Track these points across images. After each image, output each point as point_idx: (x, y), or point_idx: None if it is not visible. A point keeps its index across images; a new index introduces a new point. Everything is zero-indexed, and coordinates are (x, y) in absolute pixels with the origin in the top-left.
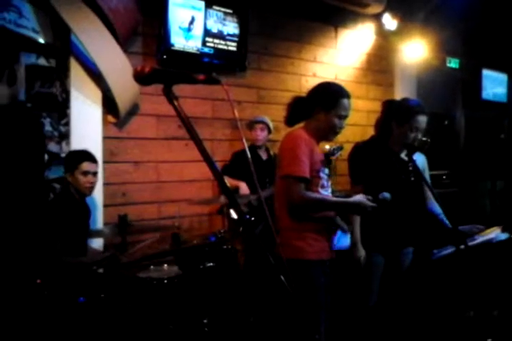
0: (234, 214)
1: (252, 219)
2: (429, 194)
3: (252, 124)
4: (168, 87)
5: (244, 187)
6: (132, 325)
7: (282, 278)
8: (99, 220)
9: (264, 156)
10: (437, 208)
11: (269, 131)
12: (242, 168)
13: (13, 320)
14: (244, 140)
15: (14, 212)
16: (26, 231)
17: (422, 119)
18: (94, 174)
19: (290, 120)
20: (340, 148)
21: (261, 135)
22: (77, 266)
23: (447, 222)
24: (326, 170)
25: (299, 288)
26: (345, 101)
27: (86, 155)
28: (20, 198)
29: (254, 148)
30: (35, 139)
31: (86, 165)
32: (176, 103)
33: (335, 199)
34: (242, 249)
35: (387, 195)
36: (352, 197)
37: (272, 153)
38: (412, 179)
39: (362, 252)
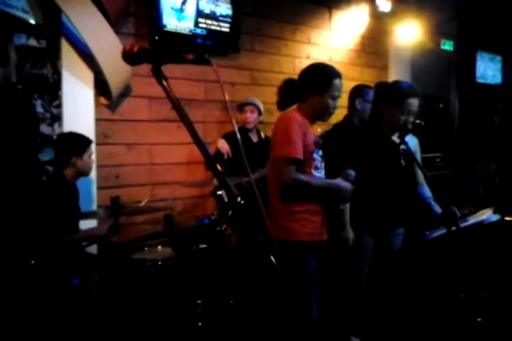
0: (224, 197)
1: (242, 202)
2: (420, 178)
3: (241, 106)
4: (157, 66)
5: (220, 142)
6: (127, 306)
7: (272, 258)
8: (92, 202)
9: (254, 139)
10: (427, 192)
11: (260, 113)
12: (232, 150)
13: (6, 301)
14: (234, 122)
15: (8, 194)
16: (21, 212)
17: (414, 102)
18: None
19: (282, 104)
20: None
21: (251, 117)
22: (71, 244)
23: (436, 206)
24: (320, 152)
25: (290, 269)
26: (337, 81)
27: (88, 138)
28: (15, 179)
29: (244, 130)
30: (28, 120)
31: (91, 148)
32: (165, 83)
33: (325, 180)
34: (231, 232)
35: (352, 172)
36: (336, 179)
37: (263, 135)
38: (403, 161)
39: (351, 233)
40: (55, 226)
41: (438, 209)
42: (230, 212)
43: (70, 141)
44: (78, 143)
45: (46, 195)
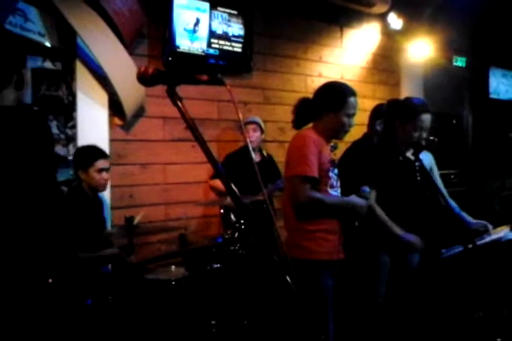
0: (232, 217)
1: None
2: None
3: (243, 125)
4: (172, 87)
5: None
6: (140, 326)
7: (287, 278)
8: (107, 222)
9: (257, 158)
10: (452, 203)
11: (262, 132)
12: (235, 170)
13: (21, 319)
14: (248, 141)
15: (26, 213)
16: (40, 231)
17: (426, 118)
18: (108, 170)
19: (298, 123)
20: (335, 147)
21: (254, 136)
22: (90, 261)
23: (466, 215)
24: (336, 170)
25: (307, 289)
26: (352, 99)
27: (100, 153)
28: (32, 197)
29: (247, 149)
30: (44, 140)
31: (101, 163)
32: (179, 104)
33: (339, 197)
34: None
35: (366, 189)
36: (351, 196)
37: (265, 153)
38: (419, 178)
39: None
40: (74, 243)
41: (469, 218)
42: (236, 234)
43: (78, 154)
44: (84, 156)
45: (67, 209)
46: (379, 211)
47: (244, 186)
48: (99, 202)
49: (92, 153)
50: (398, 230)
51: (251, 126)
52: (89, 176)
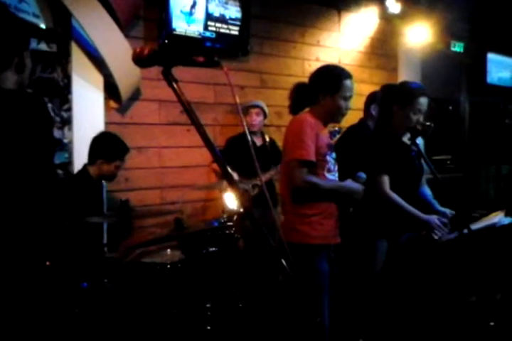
0: (229, 204)
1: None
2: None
3: (246, 109)
4: (168, 69)
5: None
6: (136, 309)
7: (283, 261)
8: (102, 205)
9: (258, 142)
10: (427, 191)
11: (265, 116)
12: (237, 154)
13: (19, 302)
14: (245, 125)
15: (24, 198)
16: (37, 216)
17: (424, 101)
18: None
19: (294, 108)
20: (338, 132)
21: (256, 120)
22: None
23: (437, 204)
24: (333, 154)
25: (302, 272)
26: (348, 82)
27: (126, 151)
28: (31, 181)
29: (249, 133)
30: (43, 124)
31: (124, 160)
32: (175, 86)
33: (335, 182)
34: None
35: (363, 175)
36: (346, 181)
37: (267, 138)
38: (417, 162)
39: None
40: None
41: (439, 207)
42: (235, 218)
43: (108, 144)
44: (113, 150)
45: (70, 190)
46: (396, 197)
47: (246, 170)
48: (101, 186)
49: (121, 148)
50: (420, 214)
51: (254, 110)
52: (108, 169)
